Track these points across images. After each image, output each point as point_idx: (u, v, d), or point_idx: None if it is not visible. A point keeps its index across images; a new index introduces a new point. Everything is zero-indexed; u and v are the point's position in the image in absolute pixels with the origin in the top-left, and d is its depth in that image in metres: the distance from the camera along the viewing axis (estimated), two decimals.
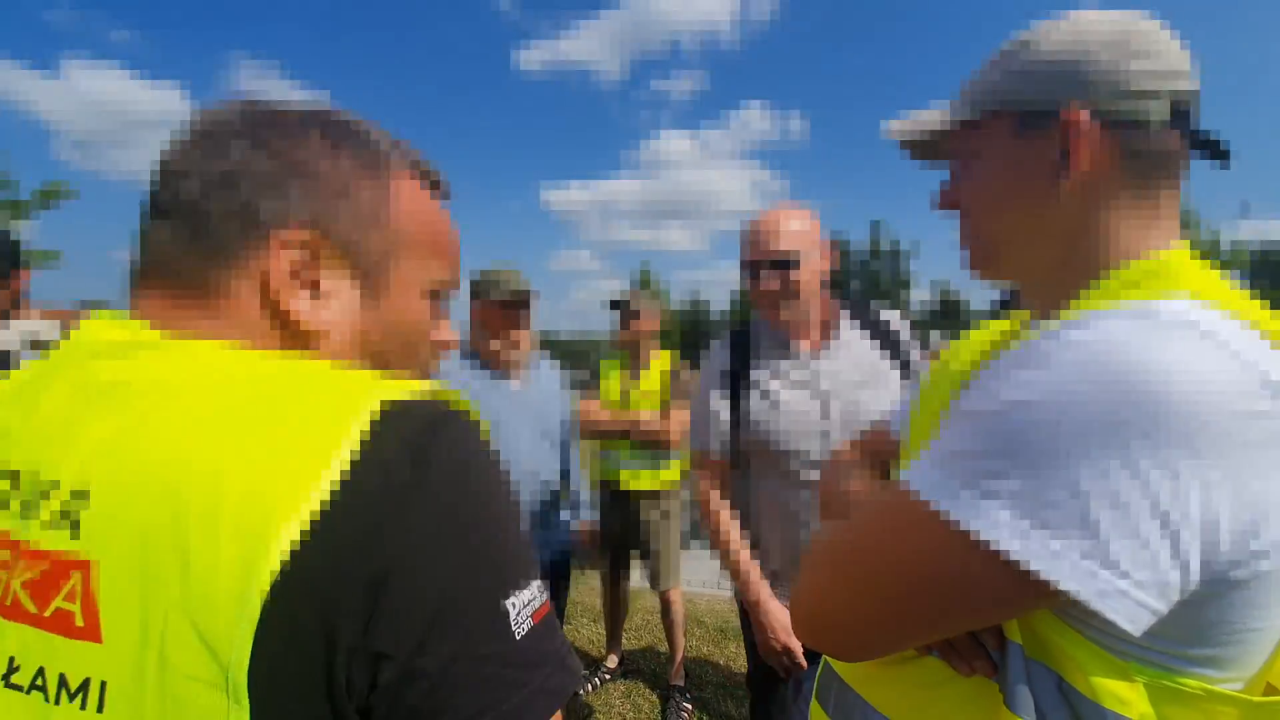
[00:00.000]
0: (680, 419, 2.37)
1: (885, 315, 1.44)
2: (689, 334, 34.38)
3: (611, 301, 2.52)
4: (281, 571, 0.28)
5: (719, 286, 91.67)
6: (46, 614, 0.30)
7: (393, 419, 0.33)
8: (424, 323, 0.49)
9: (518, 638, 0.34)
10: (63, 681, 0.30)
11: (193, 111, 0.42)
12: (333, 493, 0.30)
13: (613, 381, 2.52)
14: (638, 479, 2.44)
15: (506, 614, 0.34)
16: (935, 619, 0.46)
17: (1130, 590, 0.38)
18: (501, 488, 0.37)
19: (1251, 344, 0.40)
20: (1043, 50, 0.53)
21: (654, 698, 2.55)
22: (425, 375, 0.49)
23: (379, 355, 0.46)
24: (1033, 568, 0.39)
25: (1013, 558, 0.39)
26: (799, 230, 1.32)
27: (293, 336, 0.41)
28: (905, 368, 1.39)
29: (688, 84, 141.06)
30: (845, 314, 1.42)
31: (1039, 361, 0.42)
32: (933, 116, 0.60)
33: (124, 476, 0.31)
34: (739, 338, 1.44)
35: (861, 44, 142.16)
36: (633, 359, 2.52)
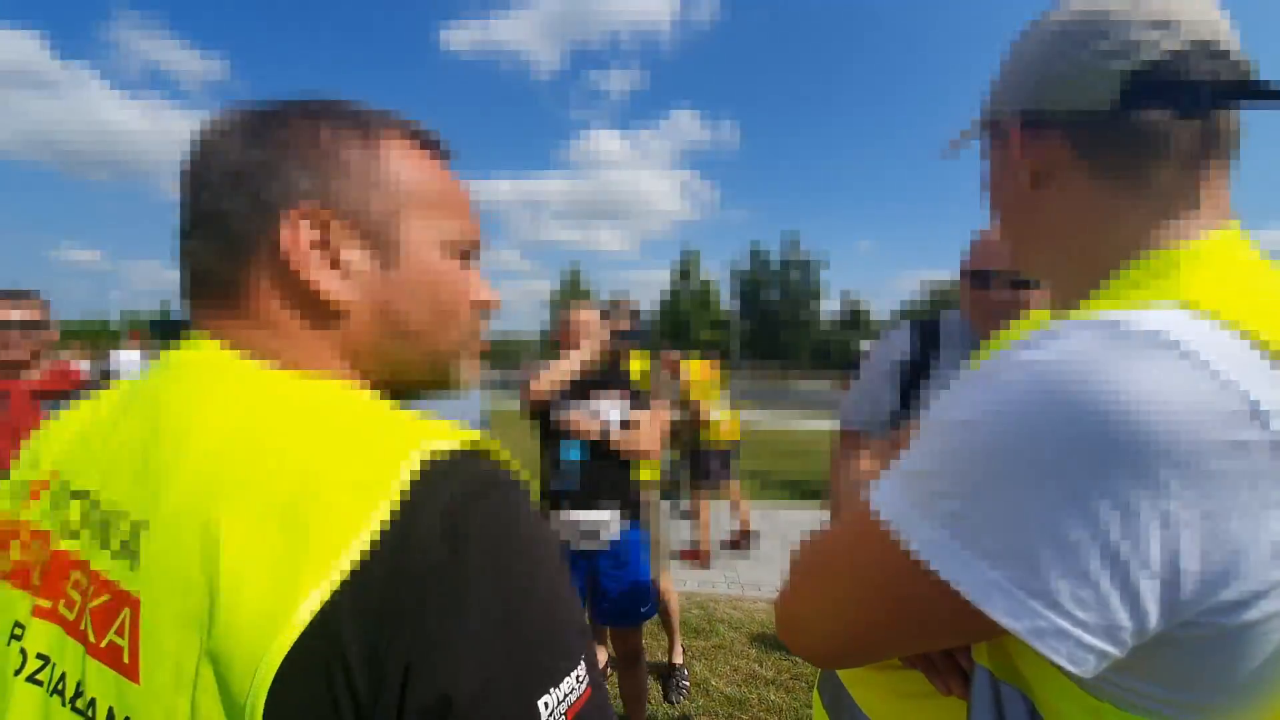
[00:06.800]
0: (660, 418, 2.39)
1: None
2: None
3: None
4: (302, 636, 0.28)
5: (647, 288, 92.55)
6: (102, 645, 0.32)
7: (432, 481, 0.33)
8: (453, 282, 0.47)
9: None
10: (110, 716, 0.31)
11: (201, 123, 0.44)
12: (363, 561, 0.29)
13: None
14: None
15: (538, 715, 0.31)
16: (889, 636, 0.44)
17: (1072, 630, 0.34)
18: (545, 561, 0.35)
19: (1245, 365, 0.35)
20: (1007, 57, 0.53)
21: (651, 677, 2.55)
22: (474, 342, 0.49)
23: (412, 330, 0.45)
24: (968, 595, 0.36)
25: (948, 581, 0.37)
26: None
27: (320, 318, 0.42)
28: None
29: (624, 81, 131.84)
30: None
31: (988, 379, 0.40)
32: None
33: (174, 511, 0.32)
34: (929, 329, 1.37)
35: (797, 57, 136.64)
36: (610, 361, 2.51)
